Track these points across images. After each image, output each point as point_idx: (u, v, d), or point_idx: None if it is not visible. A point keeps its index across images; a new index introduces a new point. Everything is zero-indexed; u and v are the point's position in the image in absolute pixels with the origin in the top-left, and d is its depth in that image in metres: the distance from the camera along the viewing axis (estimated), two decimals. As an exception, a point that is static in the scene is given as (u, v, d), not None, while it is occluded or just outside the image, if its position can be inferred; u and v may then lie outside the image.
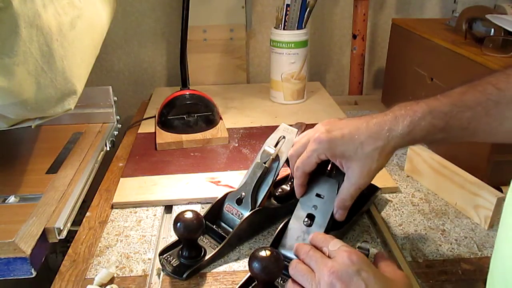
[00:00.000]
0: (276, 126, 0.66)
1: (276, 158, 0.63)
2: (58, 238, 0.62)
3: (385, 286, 0.44)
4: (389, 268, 0.49)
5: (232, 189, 0.65)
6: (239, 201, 0.63)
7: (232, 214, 0.63)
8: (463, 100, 0.51)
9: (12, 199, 0.68)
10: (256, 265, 0.48)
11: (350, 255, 0.46)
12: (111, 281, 0.55)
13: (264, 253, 0.48)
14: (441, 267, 0.57)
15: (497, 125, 0.50)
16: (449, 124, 0.51)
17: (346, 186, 0.55)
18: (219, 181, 0.76)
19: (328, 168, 0.60)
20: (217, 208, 0.65)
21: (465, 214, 0.68)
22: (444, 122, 0.51)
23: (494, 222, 0.65)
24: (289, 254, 0.56)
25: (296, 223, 0.58)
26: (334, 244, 0.49)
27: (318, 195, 0.58)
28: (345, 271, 0.44)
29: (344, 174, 0.56)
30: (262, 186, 0.63)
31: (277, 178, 0.64)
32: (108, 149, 0.89)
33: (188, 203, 0.72)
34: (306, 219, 0.58)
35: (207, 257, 0.58)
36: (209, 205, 0.65)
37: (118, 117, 0.98)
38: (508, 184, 0.71)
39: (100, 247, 0.62)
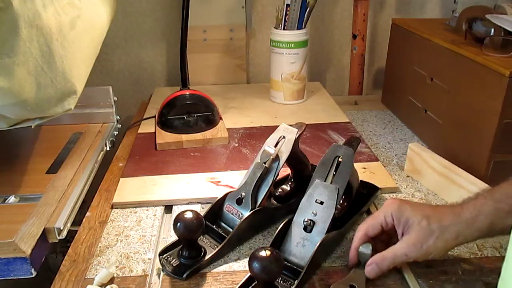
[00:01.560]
0: (276, 126, 0.66)
1: (276, 158, 0.63)
2: (58, 238, 0.62)
3: None
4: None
5: (232, 189, 0.65)
6: (239, 201, 0.63)
7: (232, 214, 0.63)
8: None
9: (12, 199, 0.68)
10: (256, 265, 0.48)
11: None
12: (111, 281, 0.55)
13: (264, 253, 0.48)
14: (441, 267, 0.57)
15: None
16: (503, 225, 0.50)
17: (395, 247, 0.53)
18: (219, 181, 0.76)
19: (329, 169, 0.60)
20: (217, 208, 0.65)
21: (465, 214, 0.68)
22: (510, 206, 0.50)
23: (494, 222, 0.65)
24: (289, 258, 0.57)
25: (296, 229, 0.58)
26: None
27: (318, 201, 0.58)
28: None
29: (344, 180, 0.57)
30: (262, 186, 0.63)
31: (277, 178, 0.64)
32: (108, 149, 0.89)
33: (188, 203, 0.72)
34: (306, 220, 0.58)
35: (207, 257, 0.58)
36: (209, 205, 0.65)
37: (118, 117, 0.98)
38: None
39: (100, 247, 0.62)
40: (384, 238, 0.57)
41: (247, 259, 0.49)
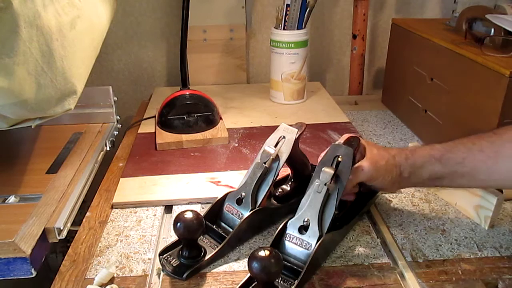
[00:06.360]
0: (276, 126, 0.66)
1: (276, 158, 0.63)
2: (58, 238, 0.62)
3: None
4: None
5: (232, 189, 0.65)
6: (239, 201, 0.63)
7: (232, 214, 0.63)
8: (458, 141, 0.60)
9: (12, 199, 0.68)
10: (256, 265, 0.48)
11: None
12: (111, 281, 0.55)
13: (264, 253, 0.48)
14: (441, 267, 0.57)
15: (493, 164, 0.55)
16: (445, 157, 0.58)
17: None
18: (219, 181, 0.76)
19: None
20: (217, 208, 0.65)
21: (465, 214, 0.68)
22: (440, 153, 0.59)
23: (494, 222, 0.65)
24: (289, 258, 0.57)
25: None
26: None
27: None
28: None
29: (344, 180, 0.57)
30: (262, 186, 0.63)
31: (277, 178, 0.64)
32: (108, 149, 0.89)
33: (188, 203, 0.72)
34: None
35: (207, 257, 0.58)
36: (209, 205, 0.65)
37: (118, 117, 0.98)
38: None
39: (100, 247, 0.62)
40: None
41: (247, 259, 0.49)
